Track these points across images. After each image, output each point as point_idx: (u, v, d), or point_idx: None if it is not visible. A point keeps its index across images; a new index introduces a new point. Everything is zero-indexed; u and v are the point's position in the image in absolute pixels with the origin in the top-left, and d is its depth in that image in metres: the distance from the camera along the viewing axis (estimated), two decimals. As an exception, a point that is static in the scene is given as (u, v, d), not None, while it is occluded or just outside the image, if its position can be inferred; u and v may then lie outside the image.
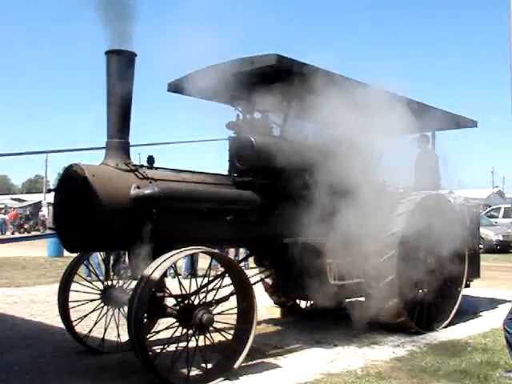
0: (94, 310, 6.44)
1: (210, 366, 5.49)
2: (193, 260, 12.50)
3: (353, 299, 8.02)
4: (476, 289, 9.87)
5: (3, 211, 44.98)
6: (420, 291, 7.89)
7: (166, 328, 5.38)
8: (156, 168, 6.04)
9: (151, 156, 6.05)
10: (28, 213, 51.28)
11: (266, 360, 6.21)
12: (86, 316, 6.42)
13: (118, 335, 6.37)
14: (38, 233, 41.40)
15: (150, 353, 5.18)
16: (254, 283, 6.44)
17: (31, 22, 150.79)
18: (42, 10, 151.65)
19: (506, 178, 65.56)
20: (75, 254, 6.52)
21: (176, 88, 7.34)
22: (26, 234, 40.53)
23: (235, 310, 5.75)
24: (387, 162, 8.12)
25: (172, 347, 5.28)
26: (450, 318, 8.22)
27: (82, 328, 6.49)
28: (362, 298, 7.80)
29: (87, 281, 6.58)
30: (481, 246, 10.10)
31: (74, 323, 6.42)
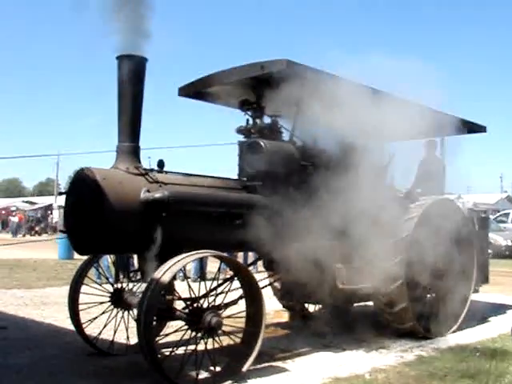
0: (103, 313, 6.48)
1: (218, 369, 5.52)
2: (202, 263, 12.50)
3: (361, 303, 8.03)
4: (484, 294, 9.84)
5: (14, 214, 45.37)
6: (428, 296, 7.89)
7: (175, 331, 5.41)
8: (166, 172, 6.09)
9: (161, 160, 6.11)
10: (39, 215, 51.61)
11: (274, 363, 6.22)
12: (95, 318, 6.45)
13: (128, 338, 6.40)
14: (48, 235, 41.61)
15: (159, 355, 5.22)
16: (263, 287, 6.46)
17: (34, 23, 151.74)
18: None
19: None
20: (85, 257, 6.58)
21: (187, 92, 7.39)
22: (36, 237, 40.76)
23: (244, 314, 5.76)
24: (396, 166, 8.14)
25: (181, 350, 5.31)
26: (459, 323, 8.20)
27: (91, 330, 6.52)
28: (371, 303, 7.81)
29: (97, 283, 6.62)
30: (490, 251, 10.06)
31: (84, 325, 6.47)
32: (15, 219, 45.90)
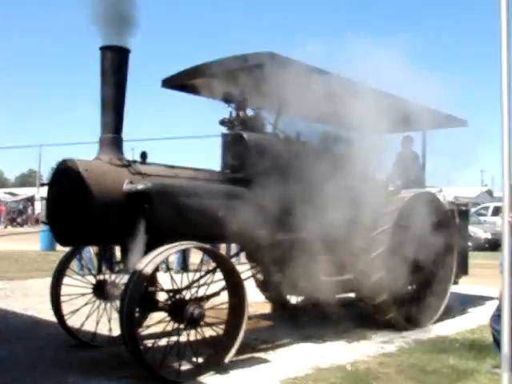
0: (86, 304, 6.47)
1: (200, 360, 5.55)
2: (185, 255, 12.54)
3: (343, 295, 8.09)
4: (464, 286, 9.96)
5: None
6: (409, 288, 7.98)
7: (158, 322, 5.43)
8: (149, 163, 6.07)
9: (144, 152, 6.09)
10: (21, 207, 51.16)
11: (256, 355, 6.27)
12: (78, 310, 6.44)
13: (110, 329, 6.40)
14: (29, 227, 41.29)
15: (142, 347, 5.22)
16: (246, 279, 6.48)
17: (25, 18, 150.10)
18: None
19: (495, 177, 65.75)
20: (68, 248, 6.56)
21: (170, 84, 7.37)
22: (18, 228, 40.44)
23: (226, 305, 5.80)
24: (376, 158, 8.20)
25: (163, 341, 5.35)
26: (439, 315, 8.32)
27: (74, 322, 6.51)
28: (353, 294, 7.88)
29: (79, 275, 6.62)
30: (469, 243, 10.18)
31: (66, 317, 6.46)
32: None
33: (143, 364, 5.04)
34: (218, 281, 5.82)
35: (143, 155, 6.06)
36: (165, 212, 5.65)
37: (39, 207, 41.97)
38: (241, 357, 5.97)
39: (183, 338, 5.33)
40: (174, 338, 5.27)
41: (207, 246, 5.75)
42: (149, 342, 5.58)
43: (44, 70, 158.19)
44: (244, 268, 7.53)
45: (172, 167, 6.28)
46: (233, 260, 7.19)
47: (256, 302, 9.05)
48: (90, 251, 9.65)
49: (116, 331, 5.74)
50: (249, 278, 7.42)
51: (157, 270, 5.38)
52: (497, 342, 5.65)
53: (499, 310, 5.45)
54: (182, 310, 5.34)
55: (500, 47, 4.28)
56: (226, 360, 5.59)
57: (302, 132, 7.37)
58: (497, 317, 5.65)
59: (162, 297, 5.68)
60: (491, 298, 9.82)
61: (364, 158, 8.24)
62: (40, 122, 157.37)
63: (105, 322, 6.46)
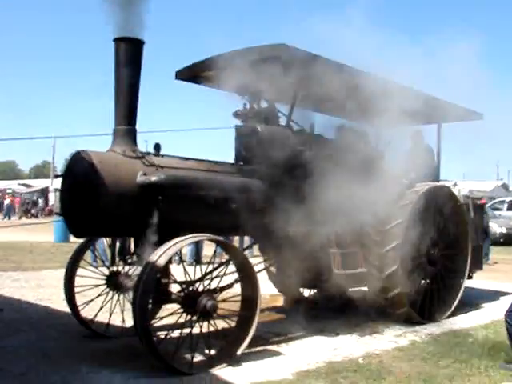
0: (99, 295, 6.50)
1: (213, 352, 5.57)
2: (198, 247, 12.59)
3: (356, 289, 8.07)
4: (478, 280, 9.91)
5: (6, 196, 45.19)
6: (423, 282, 7.94)
7: (171, 314, 5.45)
8: (162, 155, 6.08)
9: (158, 143, 6.09)
10: (35, 198, 51.54)
11: (268, 347, 6.27)
12: (91, 301, 6.49)
13: (123, 320, 6.43)
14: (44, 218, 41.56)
15: (154, 338, 5.25)
16: (258, 271, 6.49)
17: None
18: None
19: (511, 171, 65.22)
20: (81, 240, 6.59)
21: (184, 76, 7.37)
22: (33, 219, 40.74)
23: (239, 298, 5.81)
24: (391, 152, 8.16)
25: (176, 333, 5.36)
26: (452, 309, 8.28)
27: (87, 313, 6.56)
28: (366, 288, 7.86)
29: (93, 266, 6.65)
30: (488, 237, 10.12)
31: (80, 308, 6.51)
32: (7, 201, 45.75)
33: (156, 355, 5.06)
34: (230, 273, 5.81)
35: (157, 147, 6.06)
36: (178, 204, 5.66)
37: (53, 198, 42.18)
38: (253, 349, 5.97)
39: (196, 330, 5.35)
40: (186, 330, 5.28)
41: (220, 238, 5.75)
42: (162, 334, 5.60)
43: (61, 62, 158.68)
44: (257, 261, 7.53)
45: (186, 159, 6.28)
46: (246, 252, 7.21)
47: (269, 294, 9.05)
48: (104, 242, 9.71)
49: (129, 322, 5.76)
50: (262, 270, 7.42)
51: (170, 261, 5.39)
52: (511, 338, 5.61)
53: None
54: (194, 302, 5.35)
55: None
56: (239, 352, 5.60)
57: (317, 124, 7.35)
58: (511, 312, 5.61)
59: (174, 288, 5.69)
60: (506, 293, 9.78)
61: (379, 151, 8.22)
62: (55, 113, 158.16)
63: (118, 313, 6.50)
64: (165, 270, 5.43)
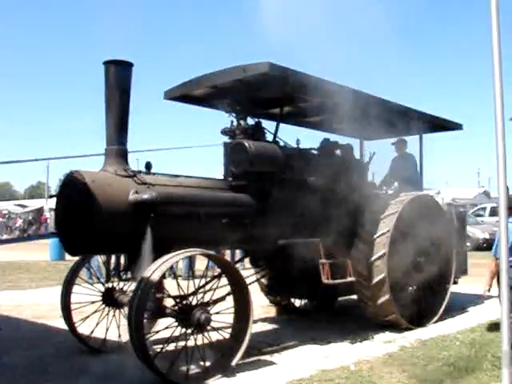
0: (95, 312, 6.61)
1: (208, 363, 5.68)
2: (191, 261, 12.76)
3: (345, 297, 8.23)
4: (463, 285, 10.07)
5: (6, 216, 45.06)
6: (410, 289, 8.12)
7: (166, 328, 5.56)
8: (154, 173, 6.23)
9: (149, 162, 6.25)
10: (31, 218, 51.28)
11: (262, 357, 6.39)
12: (87, 317, 6.57)
13: (119, 335, 6.54)
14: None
15: (150, 352, 5.34)
16: (250, 283, 6.63)
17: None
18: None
19: (492, 179, 65.70)
20: (77, 258, 6.70)
21: (172, 96, 7.52)
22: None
23: (232, 310, 5.93)
24: (375, 163, 8.34)
25: (171, 346, 5.48)
26: (439, 314, 8.45)
27: (84, 329, 6.65)
28: (355, 297, 8.01)
29: (89, 283, 6.76)
30: (468, 244, 10.29)
31: (77, 324, 6.60)
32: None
33: (153, 369, 5.17)
34: (223, 286, 5.94)
35: (148, 165, 6.22)
36: (170, 220, 5.80)
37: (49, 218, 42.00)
38: (247, 360, 6.09)
39: (191, 343, 5.46)
40: (181, 343, 5.41)
41: (212, 252, 5.89)
42: (157, 347, 5.70)
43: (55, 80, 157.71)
44: (248, 273, 7.67)
45: (176, 176, 6.44)
46: (237, 265, 7.35)
47: (261, 305, 9.18)
48: (98, 259, 9.80)
49: (126, 337, 5.87)
50: (253, 282, 7.55)
51: (164, 276, 5.52)
52: None
53: None
54: (189, 316, 5.48)
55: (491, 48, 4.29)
56: (233, 363, 5.71)
57: (302, 139, 7.51)
58: None
59: (169, 303, 5.82)
60: (490, 297, 9.92)
61: (363, 163, 8.43)
62: (49, 133, 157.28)
63: (114, 328, 6.60)
64: (159, 285, 5.56)
